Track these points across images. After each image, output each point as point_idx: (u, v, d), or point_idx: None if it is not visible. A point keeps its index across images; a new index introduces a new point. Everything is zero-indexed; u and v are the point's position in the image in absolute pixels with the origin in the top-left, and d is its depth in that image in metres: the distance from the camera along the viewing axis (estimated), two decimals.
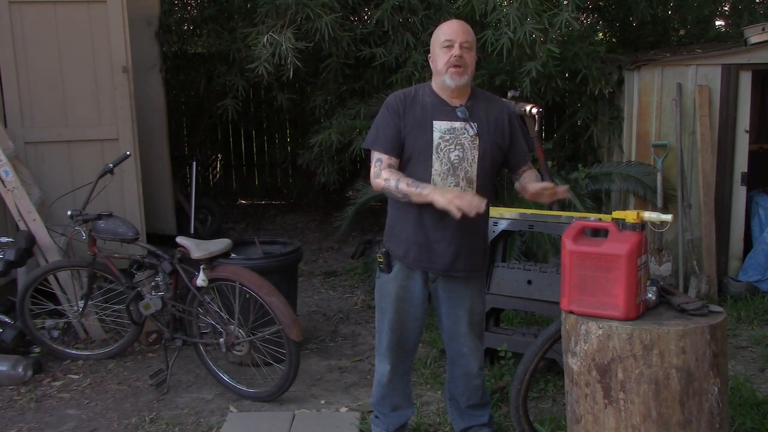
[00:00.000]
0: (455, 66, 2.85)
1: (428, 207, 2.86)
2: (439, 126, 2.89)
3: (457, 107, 2.92)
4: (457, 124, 2.90)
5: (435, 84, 2.98)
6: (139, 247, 4.27)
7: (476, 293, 3.08)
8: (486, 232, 3.12)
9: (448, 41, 2.86)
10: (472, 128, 2.89)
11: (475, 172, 2.90)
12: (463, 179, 2.90)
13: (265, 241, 4.58)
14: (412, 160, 2.92)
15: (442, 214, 2.84)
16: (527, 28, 4.63)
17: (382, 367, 3.14)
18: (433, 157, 2.88)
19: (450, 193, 2.73)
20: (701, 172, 5.18)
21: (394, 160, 2.93)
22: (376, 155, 2.94)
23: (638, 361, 2.37)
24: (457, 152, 2.88)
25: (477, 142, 2.90)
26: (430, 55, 2.99)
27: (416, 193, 2.80)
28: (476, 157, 2.89)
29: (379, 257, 3.02)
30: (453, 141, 2.89)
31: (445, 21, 3.04)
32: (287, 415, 3.63)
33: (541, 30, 4.72)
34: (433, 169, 2.89)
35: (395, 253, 3.01)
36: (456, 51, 2.84)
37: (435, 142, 2.88)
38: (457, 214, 2.67)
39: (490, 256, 3.82)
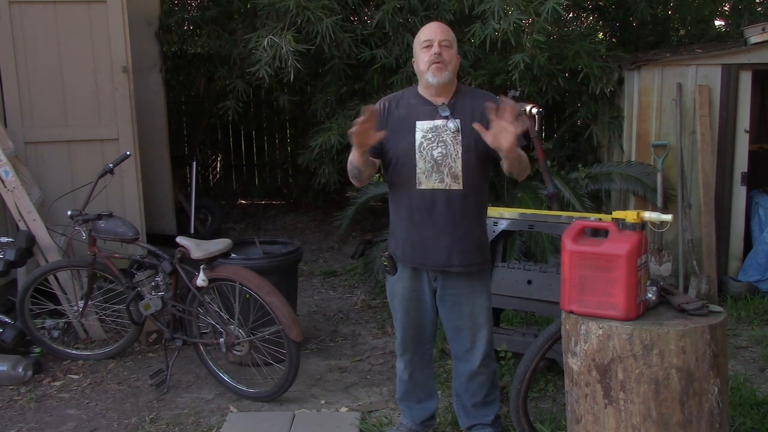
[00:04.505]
0: (435, 63, 2.92)
1: (416, 203, 2.95)
2: (422, 126, 2.96)
3: (439, 105, 2.97)
4: (439, 122, 2.95)
5: (420, 85, 3.06)
6: (139, 247, 4.27)
7: (478, 289, 3.07)
8: (482, 226, 3.10)
9: (427, 41, 2.96)
10: (454, 124, 2.93)
11: (459, 168, 2.93)
12: (447, 175, 2.94)
13: (265, 241, 4.58)
14: (398, 160, 2.99)
15: (430, 210, 2.94)
16: (512, 18, 4.59)
17: (400, 364, 3.26)
18: (416, 156, 2.94)
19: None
20: (701, 172, 5.18)
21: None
22: None
23: (638, 361, 2.37)
24: (439, 149, 2.93)
25: (459, 138, 2.93)
26: (414, 59, 3.07)
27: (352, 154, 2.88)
28: (460, 152, 2.92)
29: (384, 260, 3.09)
30: (435, 139, 2.94)
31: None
32: (287, 415, 3.63)
33: (527, 18, 4.68)
34: (417, 168, 2.95)
35: (396, 254, 3.08)
36: (435, 49, 2.93)
37: (417, 142, 2.95)
38: (356, 141, 2.71)
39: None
